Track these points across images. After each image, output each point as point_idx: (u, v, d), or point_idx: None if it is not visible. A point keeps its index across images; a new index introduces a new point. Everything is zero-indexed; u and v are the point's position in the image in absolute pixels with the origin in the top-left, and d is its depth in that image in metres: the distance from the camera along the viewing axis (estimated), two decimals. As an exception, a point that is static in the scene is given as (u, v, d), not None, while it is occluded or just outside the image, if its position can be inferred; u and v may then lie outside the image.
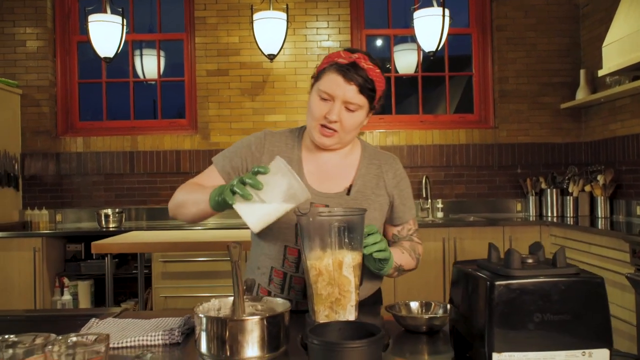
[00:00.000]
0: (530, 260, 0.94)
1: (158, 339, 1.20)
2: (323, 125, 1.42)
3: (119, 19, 3.96)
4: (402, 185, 1.56)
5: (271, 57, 4.20)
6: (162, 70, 4.75)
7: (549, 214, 4.24)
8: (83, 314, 1.48)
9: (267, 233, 1.49)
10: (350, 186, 1.50)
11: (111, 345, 1.16)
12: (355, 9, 4.56)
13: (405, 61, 4.87)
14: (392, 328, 1.30)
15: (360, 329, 1.07)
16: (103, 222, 4.10)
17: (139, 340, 1.19)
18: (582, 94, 4.23)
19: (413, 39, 4.33)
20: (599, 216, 4.00)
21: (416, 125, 4.59)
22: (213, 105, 4.46)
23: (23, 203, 4.41)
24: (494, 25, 4.57)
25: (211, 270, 3.62)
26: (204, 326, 1.08)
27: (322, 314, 1.22)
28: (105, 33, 3.94)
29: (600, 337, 0.89)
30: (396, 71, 4.77)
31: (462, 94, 5.50)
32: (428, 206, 4.42)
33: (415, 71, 4.76)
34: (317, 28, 4.49)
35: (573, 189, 4.17)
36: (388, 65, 4.75)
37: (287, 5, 4.26)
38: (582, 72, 4.27)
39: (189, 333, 1.25)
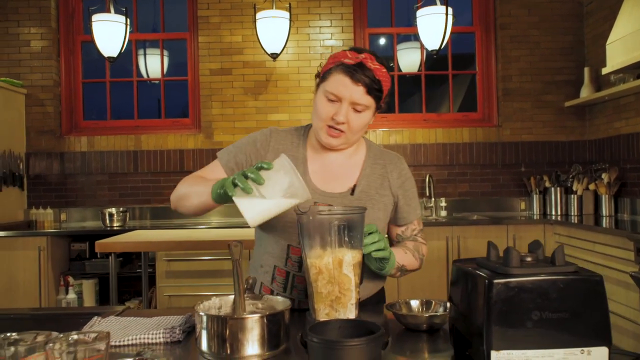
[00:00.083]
0: (529, 259, 0.94)
1: (159, 337, 1.20)
2: (330, 126, 1.42)
3: (122, 18, 3.98)
4: (407, 185, 1.56)
5: (274, 56, 4.20)
6: (165, 69, 4.76)
7: (553, 213, 4.22)
8: (86, 313, 1.49)
9: (271, 231, 1.49)
10: (354, 186, 1.50)
11: (113, 343, 1.17)
12: (358, 8, 4.55)
13: (409, 60, 4.86)
14: (393, 326, 1.31)
15: (360, 327, 1.07)
16: (107, 221, 4.12)
17: (140, 339, 1.20)
18: (586, 92, 4.21)
19: (416, 38, 4.33)
20: (604, 215, 3.98)
21: (419, 123, 4.59)
22: (216, 105, 4.47)
23: (28, 202, 4.43)
24: (497, 23, 4.56)
25: (215, 269, 3.63)
26: (204, 324, 1.09)
27: (323, 312, 1.22)
28: (109, 33, 3.95)
29: (599, 335, 0.88)
30: (399, 70, 4.77)
31: (465, 92, 5.49)
32: (431, 205, 4.42)
33: (419, 70, 4.76)
34: (320, 27, 4.49)
35: (577, 187, 4.15)
36: (391, 64, 4.75)
37: (290, 4, 4.26)
38: (586, 70, 4.25)
39: (190, 331, 1.26)
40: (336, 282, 1.20)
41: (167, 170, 4.45)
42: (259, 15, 4.14)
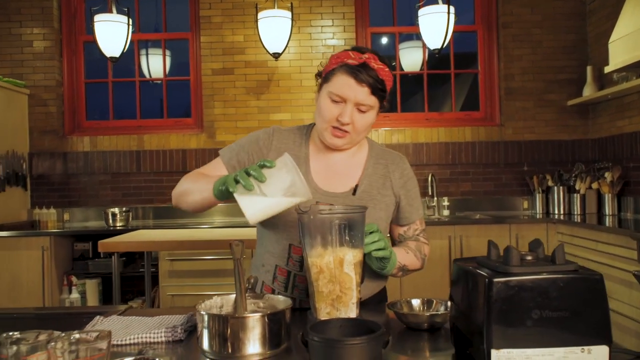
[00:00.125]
0: (529, 257, 0.94)
1: (161, 336, 1.21)
2: (335, 127, 1.42)
3: (124, 18, 3.99)
4: (409, 185, 1.56)
5: (276, 55, 4.20)
6: (167, 69, 4.77)
7: (556, 212, 4.22)
8: (88, 312, 1.49)
9: (272, 231, 1.50)
10: (356, 186, 1.50)
11: (115, 342, 1.18)
12: (360, 7, 4.55)
13: (411, 59, 4.86)
14: (394, 325, 1.31)
15: (360, 326, 1.07)
16: (110, 221, 4.13)
17: (142, 337, 1.20)
18: (589, 91, 4.20)
19: (418, 37, 4.32)
20: (607, 213, 3.97)
21: (421, 123, 4.59)
22: (218, 104, 4.48)
23: (31, 202, 4.44)
24: (499, 22, 4.55)
25: (218, 269, 3.63)
26: (205, 323, 1.09)
27: (324, 312, 1.22)
28: (111, 33, 3.96)
29: (600, 333, 0.88)
30: (401, 69, 4.76)
31: (468, 91, 5.49)
32: (434, 204, 4.42)
33: (421, 69, 4.76)
34: (322, 26, 4.49)
35: (580, 186, 4.15)
36: (393, 63, 4.74)
37: (291, 3, 4.26)
38: (588, 68, 4.24)
39: (192, 330, 1.26)
40: (337, 281, 1.21)
41: (170, 170, 4.46)
42: (260, 14, 4.14)
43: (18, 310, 1.63)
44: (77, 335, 0.93)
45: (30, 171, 4.44)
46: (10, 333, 0.94)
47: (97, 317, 1.36)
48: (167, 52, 4.78)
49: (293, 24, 4.21)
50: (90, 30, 4.07)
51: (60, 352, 0.88)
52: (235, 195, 1.18)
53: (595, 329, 0.88)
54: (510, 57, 4.51)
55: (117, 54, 4.02)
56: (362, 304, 1.35)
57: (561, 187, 4.22)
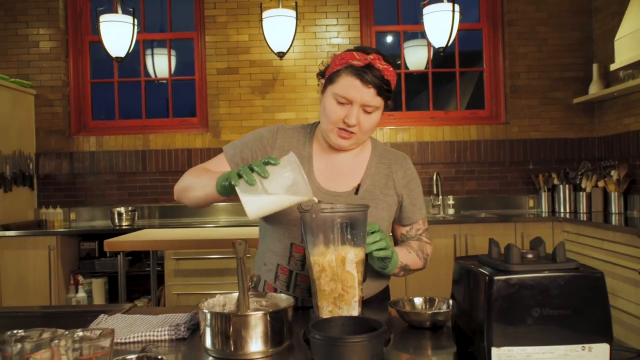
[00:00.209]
0: (530, 256, 0.94)
1: (164, 334, 1.21)
2: (341, 129, 1.42)
3: (130, 18, 4.00)
4: (411, 185, 1.56)
5: (281, 54, 4.21)
6: (173, 69, 4.79)
7: (562, 210, 4.20)
8: (93, 310, 1.51)
9: (274, 230, 1.50)
10: (359, 185, 1.50)
11: (119, 340, 1.19)
12: (364, 6, 4.55)
13: (416, 57, 4.85)
14: (397, 324, 1.31)
15: (362, 324, 1.08)
16: (116, 220, 4.15)
17: (145, 336, 1.21)
18: (595, 89, 4.18)
19: (423, 35, 4.32)
20: (613, 212, 3.96)
21: (427, 121, 4.58)
22: (223, 104, 4.49)
23: (38, 202, 4.47)
24: (504, 20, 4.53)
25: (223, 268, 3.65)
26: (208, 321, 1.10)
27: (326, 310, 1.23)
28: (117, 33, 3.98)
29: (600, 331, 0.88)
30: (406, 67, 4.76)
31: (473, 89, 5.47)
32: (439, 203, 4.41)
33: (426, 67, 4.75)
34: (327, 25, 4.49)
35: (586, 184, 4.13)
36: (398, 62, 4.74)
37: (296, 2, 4.27)
38: (594, 66, 4.22)
39: (195, 328, 1.27)
40: (339, 280, 1.21)
41: (175, 169, 4.47)
42: (265, 14, 4.15)
43: (23, 309, 1.65)
44: (81, 333, 0.94)
45: (36, 171, 4.47)
46: (15, 331, 0.95)
47: (102, 315, 1.37)
48: (172, 52, 4.79)
49: (297, 23, 4.21)
50: (96, 31, 4.09)
51: (63, 350, 0.89)
52: (236, 189, 1.18)
53: (596, 326, 0.88)
54: (515, 55, 4.50)
55: (122, 54, 4.04)
56: (365, 303, 1.35)
57: (567, 186, 4.20)
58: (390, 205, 1.52)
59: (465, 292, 1.01)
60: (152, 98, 4.78)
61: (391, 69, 1.40)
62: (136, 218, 4.27)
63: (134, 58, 4.54)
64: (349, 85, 1.37)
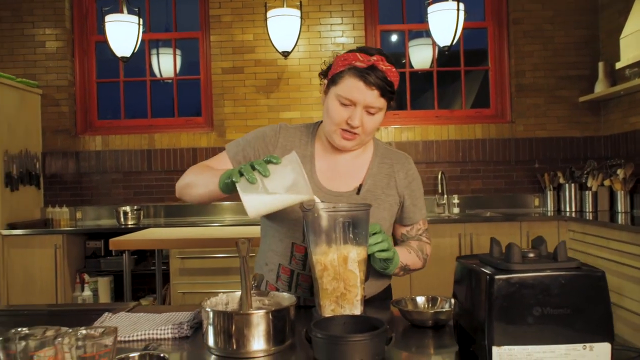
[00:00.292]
0: (531, 255, 0.94)
1: (167, 333, 1.22)
2: (345, 130, 1.42)
3: (135, 18, 4.02)
4: (413, 185, 1.56)
5: (285, 54, 4.21)
6: (178, 68, 4.80)
7: (568, 209, 4.18)
8: (97, 309, 1.51)
9: (275, 229, 1.50)
10: (360, 185, 1.50)
11: (122, 339, 1.19)
12: (369, 5, 4.55)
13: (421, 56, 4.84)
14: (399, 323, 1.31)
15: (364, 323, 1.08)
16: (122, 219, 4.17)
17: (149, 334, 1.22)
18: (600, 87, 4.16)
19: (428, 34, 4.31)
20: (619, 211, 3.94)
21: (431, 120, 4.57)
22: (228, 103, 4.50)
23: (44, 201, 4.50)
24: (510, 18, 4.52)
25: (228, 267, 3.65)
26: (211, 320, 1.10)
27: (328, 309, 1.23)
28: (122, 33, 3.99)
29: (601, 330, 0.88)
30: (411, 66, 4.75)
31: (478, 88, 5.46)
32: (444, 202, 4.40)
33: (431, 66, 4.74)
34: (331, 24, 4.49)
35: (592, 183, 4.11)
36: (403, 61, 4.73)
37: (300, 2, 4.27)
38: (600, 64, 4.20)
39: (198, 327, 1.27)
40: (341, 279, 1.21)
41: (181, 168, 4.49)
42: (270, 13, 4.15)
43: (28, 307, 1.66)
44: (84, 332, 0.95)
45: (43, 170, 4.49)
46: (19, 329, 0.96)
47: (106, 313, 1.38)
48: (178, 52, 4.81)
49: (302, 23, 4.21)
50: (102, 31, 4.10)
51: (67, 348, 0.90)
52: (237, 186, 1.19)
53: (597, 326, 0.88)
54: (521, 54, 4.48)
55: (128, 53, 4.05)
56: (367, 302, 1.35)
57: (573, 185, 4.18)
58: (392, 205, 1.52)
59: (466, 291, 1.01)
60: (157, 97, 4.80)
61: (394, 69, 1.40)
62: (142, 217, 4.29)
63: (140, 58, 4.56)
64: (352, 86, 1.37)
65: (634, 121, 4.00)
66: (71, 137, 4.53)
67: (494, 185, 4.51)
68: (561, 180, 4.27)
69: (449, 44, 3.92)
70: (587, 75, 4.44)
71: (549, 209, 4.32)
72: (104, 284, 4.06)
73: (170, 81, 4.84)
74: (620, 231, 3.15)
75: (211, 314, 1.10)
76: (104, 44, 4.23)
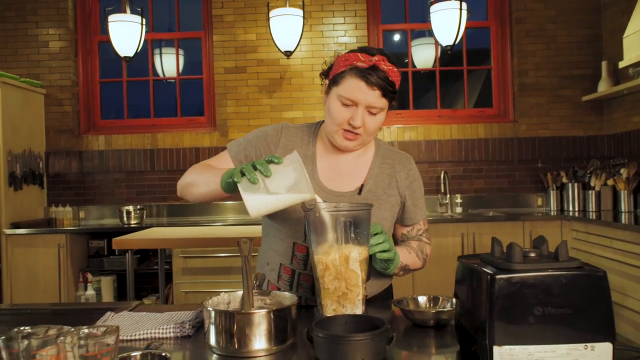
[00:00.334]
0: (532, 254, 0.94)
1: (169, 332, 1.22)
2: (346, 130, 1.42)
3: (138, 18, 4.03)
4: (414, 186, 1.56)
5: (288, 53, 4.21)
6: (181, 68, 4.81)
7: (571, 209, 4.17)
8: (100, 308, 1.52)
9: (277, 228, 1.50)
10: (362, 186, 1.50)
11: (124, 338, 1.20)
12: (371, 4, 4.54)
13: (423, 56, 4.84)
14: (401, 322, 1.31)
15: (365, 323, 1.08)
16: (125, 219, 4.18)
17: (151, 333, 1.22)
18: (604, 86, 4.15)
19: (430, 34, 4.31)
20: (622, 210, 3.93)
21: (434, 120, 4.57)
22: (231, 103, 4.51)
23: (48, 200, 4.51)
24: (512, 17, 4.51)
25: (231, 266, 3.66)
26: (212, 319, 1.10)
27: (330, 308, 1.23)
28: (125, 33, 4.00)
29: (603, 330, 0.88)
30: (414, 66, 4.75)
31: (481, 88, 5.45)
32: (447, 201, 4.40)
33: (433, 66, 4.74)
34: (334, 24, 4.49)
35: (595, 183, 4.10)
36: (406, 60, 4.73)
37: (303, 1, 4.27)
38: (603, 63, 4.19)
39: (200, 326, 1.28)
40: (343, 278, 1.21)
41: (183, 168, 4.49)
42: (272, 13, 4.16)
43: (31, 306, 1.67)
44: (86, 331, 0.95)
45: (46, 170, 4.51)
46: (22, 328, 0.96)
47: (108, 312, 1.38)
48: (180, 51, 4.82)
49: (305, 22, 4.21)
50: (105, 31, 4.11)
51: (69, 347, 0.90)
52: (239, 186, 1.19)
53: (598, 325, 0.88)
54: (523, 53, 4.47)
55: (131, 53, 4.06)
56: (368, 301, 1.36)
57: (576, 184, 4.17)
58: (393, 205, 1.52)
59: (467, 290, 1.01)
60: (160, 97, 4.81)
61: (395, 69, 1.40)
62: (144, 216, 4.30)
63: (143, 57, 4.57)
64: (353, 87, 1.37)
65: (637, 120, 3.99)
66: (74, 136, 4.54)
67: (496, 185, 4.50)
68: (564, 180, 4.26)
69: (451, 43, 3.92)
70: (590, 74, 4.43)
71: (552, 208, 4.32)
72: (107, 283, 4.07)
73: (173, 81, 4.84)
74: (624, 231, 3.15)
75: (213, 314, 1.10)
76: (107, 44, 4.24)
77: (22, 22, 4.54)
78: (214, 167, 1.48)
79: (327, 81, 1.47)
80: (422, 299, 1.37)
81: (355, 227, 1.22)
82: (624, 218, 3.57)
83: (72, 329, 0.95)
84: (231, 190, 1.28)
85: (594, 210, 4.06)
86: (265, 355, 1.09)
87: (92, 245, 4.21)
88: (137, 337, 1.21)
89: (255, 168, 1.18)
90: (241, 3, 4.49)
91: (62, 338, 0.91)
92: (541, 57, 4.46)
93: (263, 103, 4.50)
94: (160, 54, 4.98)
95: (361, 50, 1.41)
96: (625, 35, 3.54)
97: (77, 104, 4.60)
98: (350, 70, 1.37)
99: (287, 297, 1.22)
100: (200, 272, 3.68)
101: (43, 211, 4.45)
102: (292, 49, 4.20)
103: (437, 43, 4.44)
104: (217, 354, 1.11)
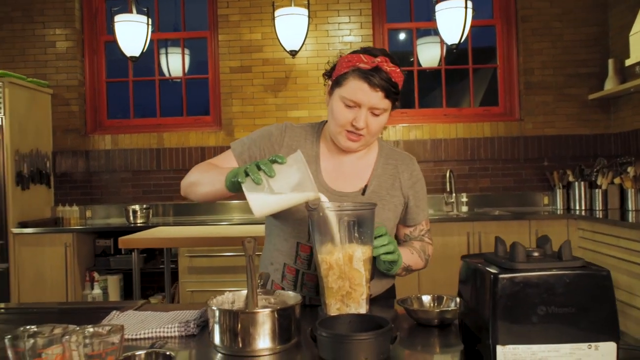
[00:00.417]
0: (535, 254, 0.94)
1: (174, 331, 1.23)
2: (350, 131, 1.42)
3: (144, 18, 4.04)
4: (417, 186, 1.56)
5: (293, 53, 4.22)
6: (186, 68, 4.82)
7: (577, 208, 4.15)
8: (106, 307, 1.53)
9: (281, 228, 1.51)
10: (366, 186, 1.50)
11: (129, 337, 1.21)
12: (376, 3, 4.54)
13: (429, 54, 4.83)
14: (405, 322, 1.31)
15: (369, 322, 1.08)
16: (131, 218, 4.20)
17: (155, 332, 1.23)
18: (610, 84, 4.13)
19: (436, 32, 4.29)
20: (630, 209, 3.90)
21: (440, 118, 4.56)
22: (237, 102, 4.52)
23: (55, 200, 4.54)
24: (518, 16, 4.49)
25: (236, 265, 3.67)
26: (217, 318, 1.11)
27: (334, 307, 1.23)
28: (131, 33, 4.02)
29: (607, 330, 0.88)
30: (419, 65, 4.74)
31: (487, 86, 5.43)
32: (452, 200, 4.39)
33: (439, 64, 4.72)
34: (339, 23, 4.49)
35: (602, 181, 4.08)
36: (411, 59, 4.72)
37: (308, 1, 4.27)
38: (610, 61, 4.17)
39: (205, 325, 1.28)
40: (347, 278, 1.22)
41: (189, 167, 4.43)
42: (277, 12, 4.16)
43: (38, 305, 1.68)
44: (91, 330, 0.96)
45: (53, 169, 4.53)
46: (28, 327, 0.97)
47: (114, 311, 1.39)
48: (186, 51, 4.83)
49: (310, 22, 4.21)
50: (111, 31, 4.13)
51: (74, 346, 0.91)
52: (243, 186, 1.20)
53: (602, 325, 0.88)
54: (529, 51, 4.45)
55: (137, 53, 4.07)
56: (372, 301, 1.36)
57: (582, 183, 4.15)
58: (397, 206, 1.53)
59: (471, 290, 1.01)
60: (166, 97, 4.82)
61: (398, 70, 1.40)
62: (151, 216, 4.32)
63: (149, 57, 4.59)
64: (356, 88, 1.37)
65: (645, 119, 3.96)
66: (81, 136, 4.56)
67: (502, 184, 4.49)
68: (571, 179, 4.24)
69: (457, 42, 3.91)
70: (596, 72, 4.40)
71: (558, 207, 4.30)
72: (113, 282, 4.09)
73: (178, 80, 4.86)
74: (631, 229, 3.13)
75: (217, 313, 1.11)
76: (113, 44, 4.26)
77: (29, 22, 4.56)
78: (217, 166, 1.48)
79: (330, 82, 1.47)
80: (426, 298, 1.37)
81: (359, 226, 1.22)
82: (631, 217, 3.55)
83: (78, 328, 0.96)
84: (235, 189, 1.28)
85: (600, 209, 4.04)
86: (269, 355, 1.09)
87: (99, 245, 4.23)
88: (141, 336, 1.22)
89: (259, 168, 1.19)
90: (246, 2, 4.50)
91: (67, 337, 0.92)
92: (547, 55, 4.45)
93: (268, 102, 4.50)
94: (166, 53, 4.99)
95: (364, 51, 1.41)
96: (631, 33, 3.51)
97: (83, 104, 4.62)
98: (353, 71, 1.37)
99: (291, 297, 1.23)
100: (206, 271, 3.70)
101: (50, 210, 4.47)
102: (297, 48, 4.20)
103: (442, 42, 4.43)
104: (221, 353, 1.11)
